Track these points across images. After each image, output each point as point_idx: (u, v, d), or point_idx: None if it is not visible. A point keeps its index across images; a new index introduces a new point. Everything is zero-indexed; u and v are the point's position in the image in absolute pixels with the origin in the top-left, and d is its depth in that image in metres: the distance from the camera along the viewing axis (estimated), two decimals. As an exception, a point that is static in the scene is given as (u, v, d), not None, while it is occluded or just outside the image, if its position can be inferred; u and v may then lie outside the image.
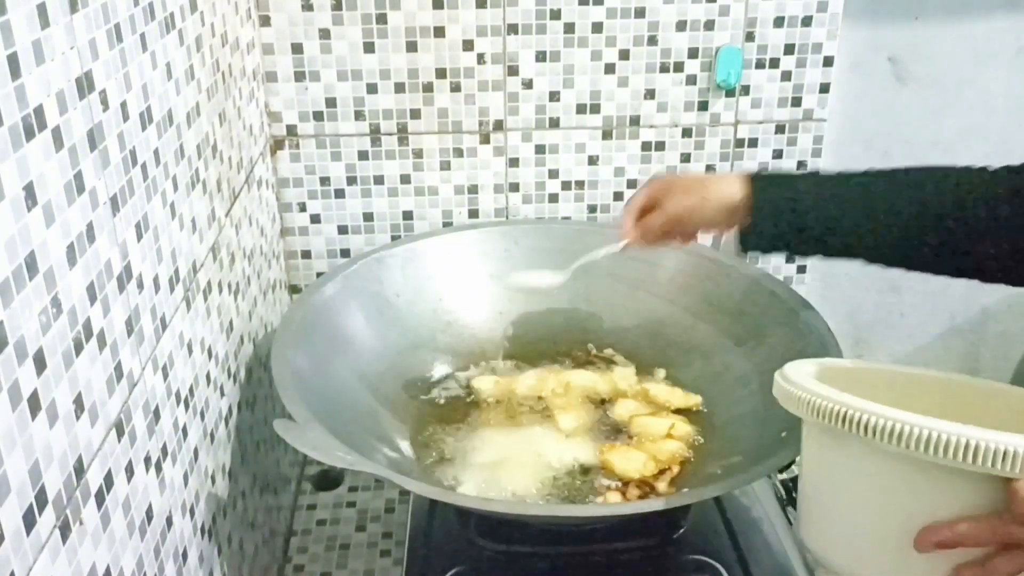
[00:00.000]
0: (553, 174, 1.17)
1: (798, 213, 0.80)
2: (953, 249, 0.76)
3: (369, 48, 1.09)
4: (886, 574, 0.58)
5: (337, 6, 1.07)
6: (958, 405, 0.68)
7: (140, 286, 0.64)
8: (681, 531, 0.84)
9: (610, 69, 1.12)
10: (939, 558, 0.55)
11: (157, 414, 0.66)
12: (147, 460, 0.63)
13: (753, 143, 1.17)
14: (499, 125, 1.14)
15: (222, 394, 0.84)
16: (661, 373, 0.99)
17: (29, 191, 0.48)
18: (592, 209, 1.19)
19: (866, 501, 0.58)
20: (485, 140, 1.14)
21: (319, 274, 1.18)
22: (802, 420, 0.62)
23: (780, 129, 1.17)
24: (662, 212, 0.85)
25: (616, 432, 0.91)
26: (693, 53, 1.12)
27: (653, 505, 0.80)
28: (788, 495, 0.94)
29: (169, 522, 0.67)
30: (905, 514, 0.56)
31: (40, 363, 0.49)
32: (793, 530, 0.63)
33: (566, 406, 0.94)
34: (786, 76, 1.14)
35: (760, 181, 0.82)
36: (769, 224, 0.81)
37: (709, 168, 1.17)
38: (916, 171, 0.79)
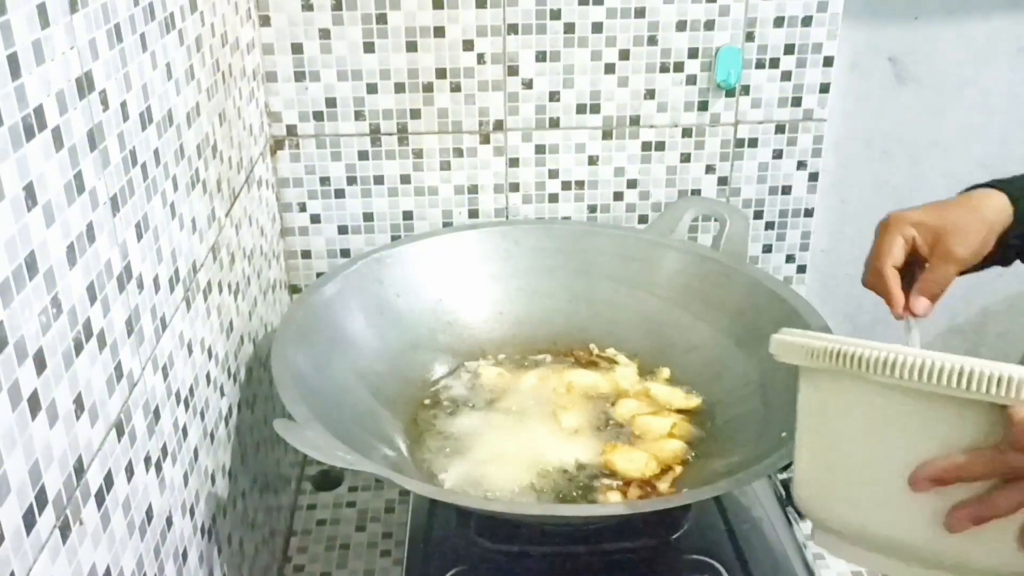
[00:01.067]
0: (553, 174, 1.17)
1: None
2: None
3: (369, 48, 1.09)
4: (888, 522, 0.57)
5: (337, 6, 1.07)
6: None
7: (140, 286, 0.64)
8: (681, 531, 0.84)
9: (610, 69, 1.12)
10: (939, 500, 0.54)
11: (157, 414, 0.66)
12: (147, 460, 0.63)
13: (753, 143, 1.17)
14: (499, 125, 1.14)
15: (222, 394, 0.84)
16: (665, 372, 0.99)
17: (29, 191, 0.48)
18: (592, 209, 1.19)
19: (866, 445, 0.57)
20: (485, 140, 1.14)
21: (319, 274, 1.18)
22: (798, 379, 0.62)
23: (780, 129, 1.17)
24: (954, 261, 0.71)
25: (618, 431, 0.91)
26: (693, 53, 1.12)
27: (653, 505, 0.80)
28: (788, 495, 0.94)
29: (169, 522, 0.67)
30: (904, 454, 0.55)
31: (40, 363, 0.49)
32: (793, 496, 0.63)
33: (568, 405, 0.94)
34: (786, 76, 1.14)
35: (1017, 194, 0.73)
36: None
37: (709, 168, 1.17)
38: None
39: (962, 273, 0.74)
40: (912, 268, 0.74)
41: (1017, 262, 0.77)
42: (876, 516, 0.57)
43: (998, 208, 0.72)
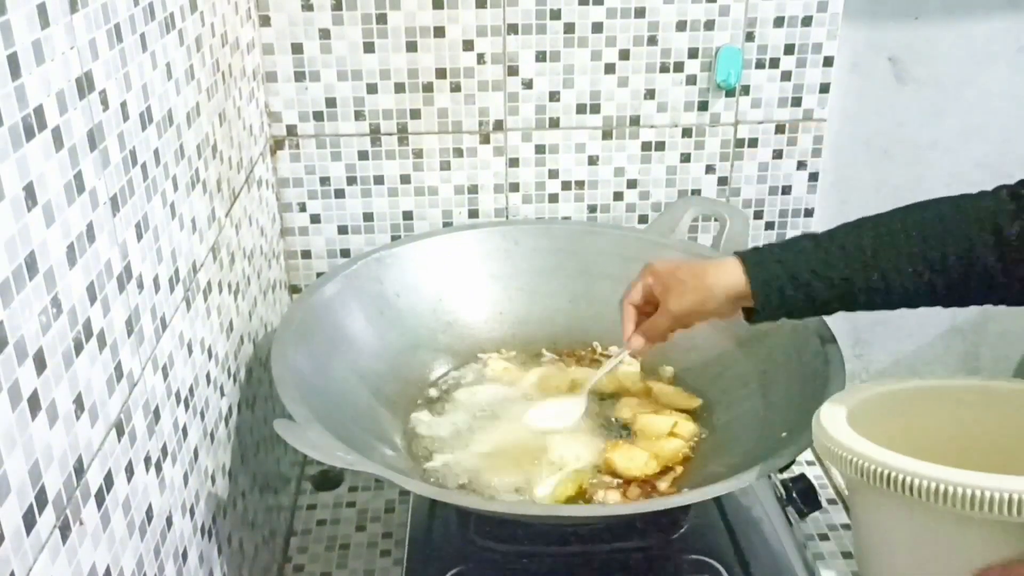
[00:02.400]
0: (553, 174, 1.17)
1: (800, 287, 0.77)
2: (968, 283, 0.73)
3: (369, 48, 1.09)
4: None
5: (337, 6, 1.07)
6: (1008, 412, 0.69)
7: (140, 286, 0.64)
8: (681, 531, 0.84)
9: (610, 69, 1.12)
10: None
11: (157, 414, 0.66)
12: (147, 460, 0.63)
13: (753, 143, 1.17)
14: (499, 125, 1.14)
15: (222, 394, 0.84)
16: (668, 371, 0.99)
17: (29, 191, 0.48)
18: (592, 209, 1.19)
19: (919, 552, 0.59)
20: (485, 140, 1.14)
21: (319, 274, 1.18)
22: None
23: (780, 129, 1.17)
24: (666, 314, 0.83)
25: (619, 430, 0.91)
26: (693, 53, 1.12)
27: (653, 505, 0.80)
28: (788, 495, 0.94)
29: (169, 522, 0.67)
30: (956, 563, 0.57)
31: (40, 363, 0.49)
32: (859, 571, 0.66)
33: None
34: (786, 76, 1.14)
35: (754, 264, 0.79)
36: (775, 304, 0.78)
37: (709, 168, 1.17)
38: (912, 210, 0.75)
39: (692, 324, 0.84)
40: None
41: None
42: None
43: (727, 277, 0.79)
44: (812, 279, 0.76)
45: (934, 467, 0.55)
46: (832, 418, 0.65)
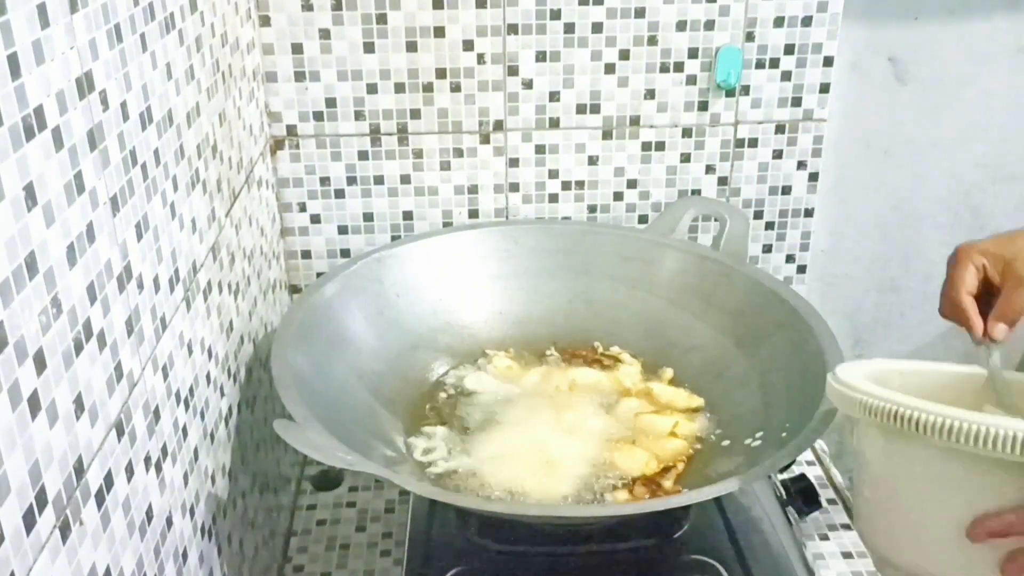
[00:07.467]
0: (553, 174, 1.17)
1: None
2: None
3: (369, 48, 1.09)
4: (950, 567, 0.60)
5: (337, 6, 1.07)
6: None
7: (140, 286, 0.64)
8: (681, 531, 0.84)
9: (610, 69, 1.12)
10: (996, 548, 0.57)
11: (157, 414, 0.66)
12: (147, 460, 0.63)
13: (753, 143, 1.17)
14: (499, 125, 1.14)
15: (222, 394, 0.84)
16: (668, 373, 0.99)
17: (29, 191, 0.48)
18: (592, 209, 1.19)
19: (926, 497, 0.60)
20: (485, 140, 1.14)
21: (319, 274, 1.18)
22: (855, 422, 0.65)
23: (780, 129, 1.17)
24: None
25: (620, 430, 0.91)
26: (693, 53, 1.12)
27: (653, 505, 0.80)
28: (788, 495, 0.94)
29: (169, 522, 0.67)
30: (965, 507, 0.58)
31: (40, 363, 0.49)
32: (855, 528, 0.66)
33: (570, 403, 0.94)
34: (786, 76, 1.14)
35: None
36: None
37: (709, 168, 1.17)
38: None
39: None
40: (988, 298, 0.76)
41: None
42: (934, 559, 0.61)
43: None
44: None
45: (945, 407, 0.56)
46: (847, 372, 0.67)
